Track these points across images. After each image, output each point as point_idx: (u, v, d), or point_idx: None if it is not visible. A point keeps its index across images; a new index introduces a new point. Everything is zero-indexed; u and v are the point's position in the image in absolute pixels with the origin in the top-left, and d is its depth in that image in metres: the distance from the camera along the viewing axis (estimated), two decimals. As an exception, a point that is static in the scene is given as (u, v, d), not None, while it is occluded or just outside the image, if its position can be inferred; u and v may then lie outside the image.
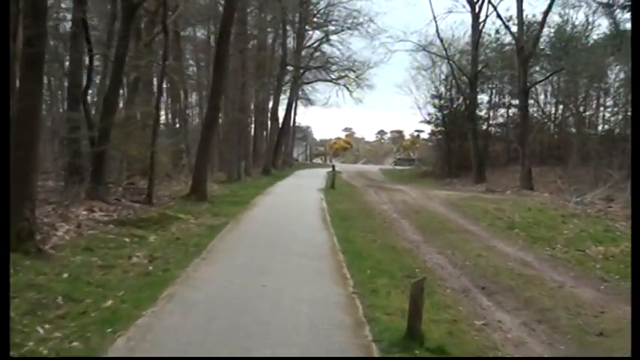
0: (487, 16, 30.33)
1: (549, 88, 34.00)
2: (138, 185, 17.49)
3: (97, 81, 18.91)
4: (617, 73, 29.99)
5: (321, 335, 5.46)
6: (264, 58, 35.00)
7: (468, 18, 34.09)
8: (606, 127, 31.39)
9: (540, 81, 30.73)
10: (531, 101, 30.69)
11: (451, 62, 32.32)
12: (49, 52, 17.85)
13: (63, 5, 19.85)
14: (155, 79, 20.78)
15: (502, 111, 38.32)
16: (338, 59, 43.15)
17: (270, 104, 38.92)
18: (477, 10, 29.89)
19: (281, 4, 32.35)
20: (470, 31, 31.36)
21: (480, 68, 31.25)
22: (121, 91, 24.41)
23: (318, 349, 5.10)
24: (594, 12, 27.84)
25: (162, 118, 32.08)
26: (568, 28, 30.51)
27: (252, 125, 36.84)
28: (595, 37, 29.46)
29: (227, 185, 23.06)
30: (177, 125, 30.32)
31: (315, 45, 43.65)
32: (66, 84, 19.68)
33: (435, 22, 44.52)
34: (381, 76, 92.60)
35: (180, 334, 5.29)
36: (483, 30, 30.90)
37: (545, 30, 28.28)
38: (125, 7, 14.24)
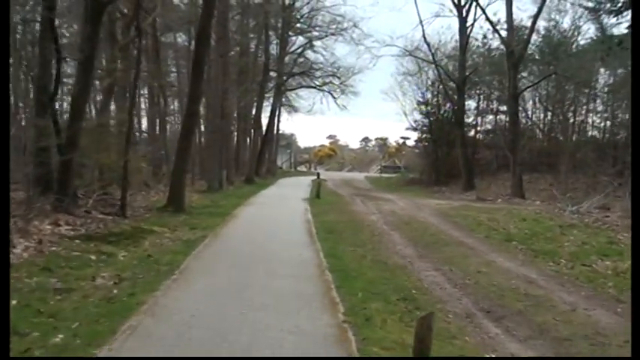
0: (475, 20, 30.10)
1: (537, 95, 33.58)
2: (114, 196, 16.46)
3: (70, 87, 17.91)
4: (605, 79, 29.73)
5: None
6: (247, 64, 34.28)
7: (455, 22, 33.78)
8: (595, 133, 31.07)
9: (531, 86, 30.27)
10: (519, 108, 30.24)
11: (438, 67, 31.73)
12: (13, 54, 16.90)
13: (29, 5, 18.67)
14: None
15: (490, 117, 37.93)
16: (322, 65, 42.72)
17: (253, 111, 38.16)
18: (464, 14, 29.49)
19: (264, 9, 31.61)
20: (457, 36, 30.94)
21: (468, 73, 30.70)
22: (97, 98, 23.42)
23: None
24: (580, 17, 27.68)
25: (145, 125, 31.16)
26: (556, 33, 30.19)
27: (235, 133, 36.04)
28: (582, 42, 29.26)
29: (208, 195, 22.23)
30: (158, 132, 29.28)
31: (299, 51, 43.06)
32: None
33: (422, 26, 44.35)
34: (366, 82, 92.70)
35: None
36: (471, 35, 30.46)
37: (533, 36, 27.86)
38: (93, 7, 13.31)
